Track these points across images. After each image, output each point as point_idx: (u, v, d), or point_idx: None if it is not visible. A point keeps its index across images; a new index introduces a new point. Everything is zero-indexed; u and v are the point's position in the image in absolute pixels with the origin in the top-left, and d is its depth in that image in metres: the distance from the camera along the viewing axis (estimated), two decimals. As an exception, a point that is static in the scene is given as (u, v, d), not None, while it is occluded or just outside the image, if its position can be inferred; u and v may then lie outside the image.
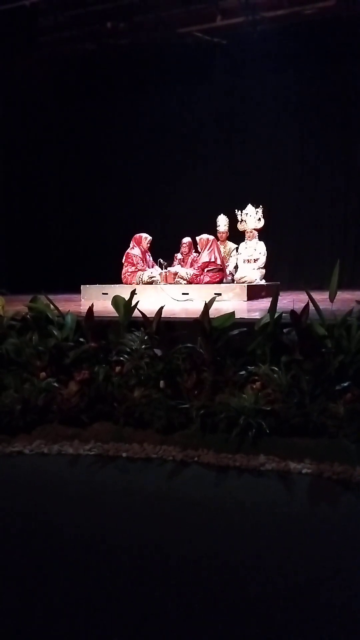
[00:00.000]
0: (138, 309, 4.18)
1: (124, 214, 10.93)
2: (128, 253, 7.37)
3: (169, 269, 7.21)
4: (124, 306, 4.20)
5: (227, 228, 7.85)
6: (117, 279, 7.39)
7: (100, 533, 2.61)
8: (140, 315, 4.07)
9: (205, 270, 6.95)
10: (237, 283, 7.14)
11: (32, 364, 4.05)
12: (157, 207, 10.77)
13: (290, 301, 4.61)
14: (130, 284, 7.09)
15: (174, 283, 7.01)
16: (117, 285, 7.08)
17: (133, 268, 7.26)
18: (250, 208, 7.66)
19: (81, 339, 4.18)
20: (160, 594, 2.17)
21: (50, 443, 3.61)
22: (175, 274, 7.13)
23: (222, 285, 6.87)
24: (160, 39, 9.70)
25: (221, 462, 3.25)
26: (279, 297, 3.98)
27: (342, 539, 2.53)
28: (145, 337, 3.99)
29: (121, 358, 3.95)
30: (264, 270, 7.62)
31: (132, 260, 7.28)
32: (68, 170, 11.71)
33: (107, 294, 6.55)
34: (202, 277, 6.94)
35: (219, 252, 7.17)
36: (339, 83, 9.86)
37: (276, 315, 3.76)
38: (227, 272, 7.47)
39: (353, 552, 2.41)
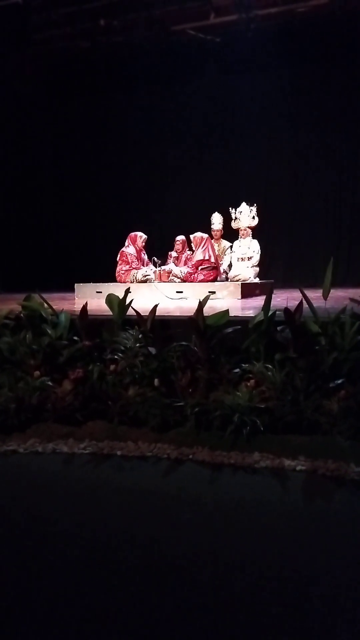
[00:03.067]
0: (132, 308, 4.17)
1: (118, 212, 10.91)
2: (123, 251, 7.36)
3: (163, 267, 7.20)
4: (118, 305, 4.20)
5: (221, 226, 7.85)
6: (111, 278, 7.38)
7: (96, 531, 2.61)
8: (135, 314, 4.07)
9: (200, 268, 6.95)
10: (231, 281, 7.14)
11: (26, 362, 4.05)
12: (151, 205, 10.76)
13: (284, 299, 4.62)
14: (124, 282, 7.08)
15: (168, 281, 7.01)
16: (112, 283, 7.07)
17: (127, 266, 7.25)
18: (244, 206, 7.66)
19: (75, 338, 4.18)
20: (155, 591, 2.17)
21: (45, 442, 3.61)
22: (170, 272, 7.12)
23: (216, 283, 6.87)
24: (153, 37, 9.68)
25: (216, 459, 3.25)
26: (273, 295, 4.00)
27: (337, 535, 2.55)
28: (140, 336, 4.00)
29: (115, 356, 3.95)
30: (257, 269, 7.63)
31: (127, 258, 7.27)
32: (62, 168, 11.67)
33: (101, 292, 6.53)
34: (196, 275, 6.94)
35: (213, 250, 7.17)
36: (333, 80, 9.87)
37: (270, 313, 3.77)
38: (221, 271, 7.47)
39: (347, 548, 2.43)
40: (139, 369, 3.81)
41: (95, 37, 9.91)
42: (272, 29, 9.27)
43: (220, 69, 10.23)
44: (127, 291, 4.30)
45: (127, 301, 4.20)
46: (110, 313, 4.23)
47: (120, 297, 4.20)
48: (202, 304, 3.88)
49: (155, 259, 7.30)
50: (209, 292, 5.78)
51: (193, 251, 7.22)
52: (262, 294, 6.69)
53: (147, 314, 4.01)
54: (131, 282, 6.94)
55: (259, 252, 7.64)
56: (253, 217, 7.65)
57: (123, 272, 7.25)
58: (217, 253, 7.40)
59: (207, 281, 6.87)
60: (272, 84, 10.22)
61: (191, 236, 7.22)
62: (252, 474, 3.11)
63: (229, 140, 10.54)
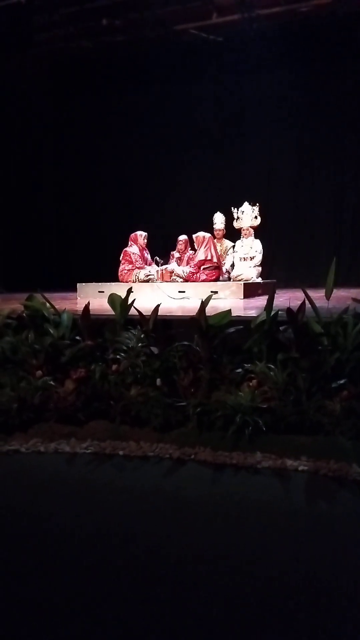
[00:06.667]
0: (134, 307, 4.17)
1: (120, 212, 10.91)
2: (126, 251, 7.37)
3: (165, 266, 7.20)
4: (121, 304, 4.20)
5: (223, 226, 7.86)
6: (113, 277, 7.38)
7: (97, 531, 2.61)
8: (137, 313, 4.07)
9: (202, 268, 6.95)
10: (233, 281, 7.14)
11: (28, 362, 4.05)
12: (153, 205, 10.75)
13: (287, 299, 4.61)
14: (127, 282, 7.08)
15: (171, 281, 7.01)
16: (114, 283, 7.07)
17: (130, 266, 7.26)
18: (246, 206, 7.65)
19: (77, 337, 4.18)
20: (157, 591, 2.17)
21: (47, 441, 3.61)
22: (172, 271, 7.12)
23: (218, 283, 6.87)
24: (156, 36, 9.67)
25: (218, 459, 3.25)
26: (276, 295, 3.98)
27: (339, 536, 2.54)
28: (142, 335, 3.99)
29: (118, 356, 3.94)
30: (260, 268, 7.62)
31: (131, 258, 7.28)
32: (64, 168, 11.68)
33: (103, 292, 6.54)
34: (198, 275, 6.93)
35: (216, 250, 7.17)
36: (336, 80, 9.84)
37: (272, 313, 3.77)
38: (224, 270, 7.47)
39: (349, 549, 2.42)
40: (141, 368, 3.81)
41: (98, 37, 9.91)
42: (274, 29, 9.26)
43: (223, 69, 10.22)
44: (129, 291, 4.30)
45: (129, 301, 4.20)
46: (113, 313, 4.23)
47: (123, 297, 4.20)
48: (204, 304, 3.88)
49: (158, 258, 7.30)
50: (211, 291, 5.77)
51: (195, 251, 7.22)
52: (264, 293, 6.68)
53: (150, 313, 4.01)
54: (133, 282, 6.95)
55: (261, 252, 7.64)
56: (255, 217, 7.64)
57: (126, 271, 7.26)
58: (219, 253, 7.40)
59: (210, 281, 6.86)
60: (275, 83, 10.20)
61: (193, 236, 7.22)
62: (254, 474, 3.11)
63: (231, 140, 10.53)
